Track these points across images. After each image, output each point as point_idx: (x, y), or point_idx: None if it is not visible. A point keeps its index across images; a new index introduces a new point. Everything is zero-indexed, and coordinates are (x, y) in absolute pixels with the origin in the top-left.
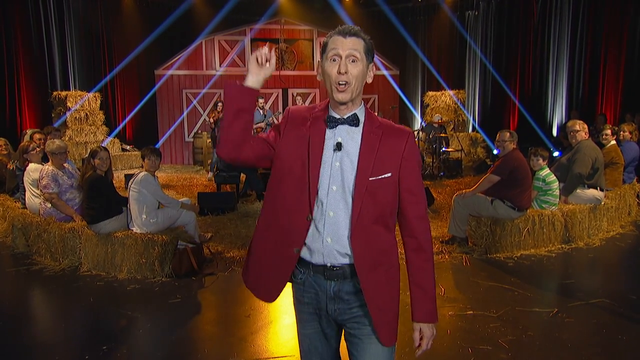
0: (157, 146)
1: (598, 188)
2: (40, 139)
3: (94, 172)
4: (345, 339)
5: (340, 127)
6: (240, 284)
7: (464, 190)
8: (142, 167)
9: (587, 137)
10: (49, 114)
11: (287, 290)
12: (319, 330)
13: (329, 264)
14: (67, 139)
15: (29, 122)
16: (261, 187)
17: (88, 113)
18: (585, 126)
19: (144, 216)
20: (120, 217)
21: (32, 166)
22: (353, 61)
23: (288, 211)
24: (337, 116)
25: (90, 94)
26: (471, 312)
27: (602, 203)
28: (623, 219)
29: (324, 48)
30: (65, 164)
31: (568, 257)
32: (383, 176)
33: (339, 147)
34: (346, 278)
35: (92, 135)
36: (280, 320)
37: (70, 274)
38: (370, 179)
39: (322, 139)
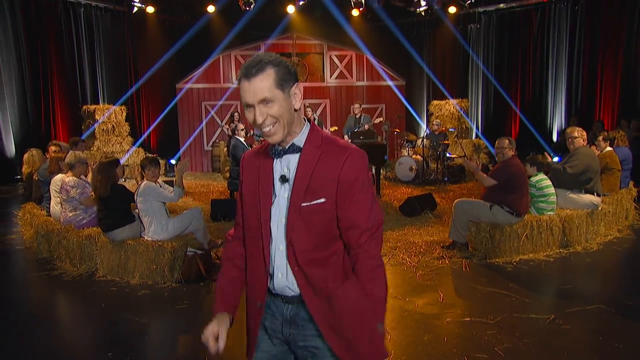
0: (178, 154)
1: (595, 193)
2: (55, 151)
3: (115, 182)
4: None
5: (285, 156)
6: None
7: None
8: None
9: (584, 144)
10: (80, 126)
11: None
12: (272, 355)
13: (282, 295)
14: (95, 149)
15: (62, 134)
16: None
17: (114, 125)
18: (584, 133)
19: (154, 226)
20: (133, 225)
21: (59, 176)
22: (267, 103)
23: (251, 266)
24: (280, 147)
25: (117, 107)
26: (468, 318)
27: (600, 208)
28: (620, 223)
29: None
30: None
31: (566, 262)
32: (316, 202)
33: (283, 179)
34: (302, 302)
35: (118, 146)
36: None
37: (86, 279)
38: (303, 204)
39: (270, 176)
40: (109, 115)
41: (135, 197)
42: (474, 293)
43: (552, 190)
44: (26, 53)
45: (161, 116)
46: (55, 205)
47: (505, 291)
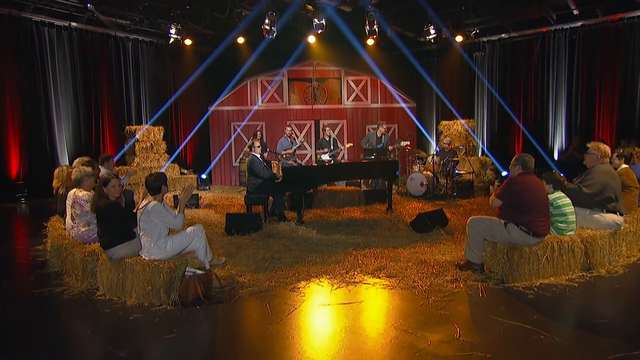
0: (209, 169)
1: (617, 213)
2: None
3: (106, 199)
4: None
5: None
6: (244, 315)
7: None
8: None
9: (605, 162)
10: (124, 144)
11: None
12: None
13: None
14: (135, 164)
15: (109, 151)
16: (284, 208)
17: (153, 143)
18: (606, 149)
19: (152, 245)
20: (133, 243)
21: (72, 191)
22: None
23: None
24: None
25: (155, 127)
26: None
27: (622, 228)
28: None
29: None
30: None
31: (592, 288)
32: None
33: None
34: None
35: (155, 162)
36: None
37: (86, 298)
38: None
39: None
40: (148, 134)
41: (138, 213)
42: (494, 327)
43: (571, 209)
44: (81, 80)
45: (192, 133)
46: (69, 220)
47: (530, 325)
